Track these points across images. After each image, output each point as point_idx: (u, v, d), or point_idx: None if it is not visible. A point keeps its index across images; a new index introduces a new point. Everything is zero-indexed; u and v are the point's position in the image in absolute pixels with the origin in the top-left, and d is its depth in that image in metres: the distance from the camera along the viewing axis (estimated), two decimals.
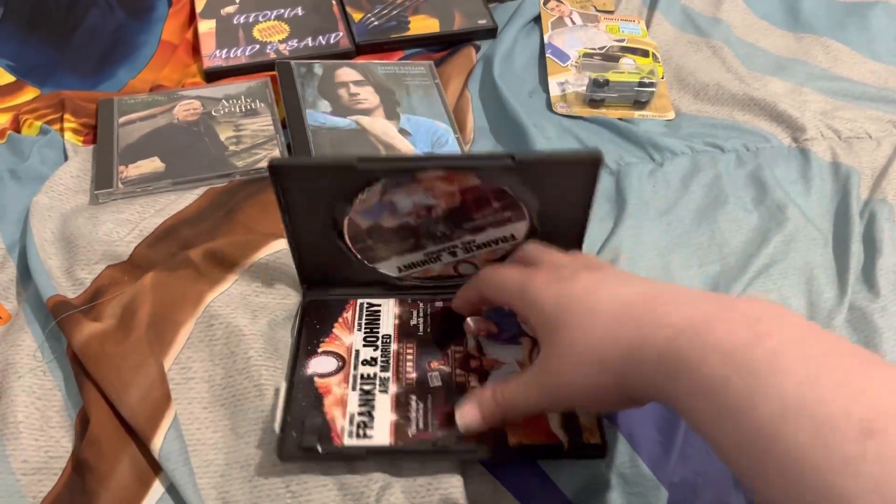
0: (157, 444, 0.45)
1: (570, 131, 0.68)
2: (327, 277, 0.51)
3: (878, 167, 0.63)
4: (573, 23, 0.80)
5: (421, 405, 0.45)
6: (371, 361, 0.47)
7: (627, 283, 0.38)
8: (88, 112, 0.67)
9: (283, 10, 0.80)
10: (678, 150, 0.65)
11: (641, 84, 0.69)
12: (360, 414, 0.45)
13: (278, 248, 0.55)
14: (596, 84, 0.69)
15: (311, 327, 0.49)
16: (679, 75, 0.74)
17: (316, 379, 0.47)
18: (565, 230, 0.48)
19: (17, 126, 0.66)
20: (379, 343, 0.48)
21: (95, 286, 0.52)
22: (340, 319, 0.50)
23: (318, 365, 0.47)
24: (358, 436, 0.44)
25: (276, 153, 0.63)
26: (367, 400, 0.45)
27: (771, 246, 0.56)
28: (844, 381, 0.27)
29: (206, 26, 0.77)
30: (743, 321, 0.31)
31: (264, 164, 0.62)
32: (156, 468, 0.45)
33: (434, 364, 0.47)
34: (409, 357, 0.48)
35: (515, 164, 0.43)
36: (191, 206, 0.58)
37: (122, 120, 0.65)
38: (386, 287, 0.52)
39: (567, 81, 0.73)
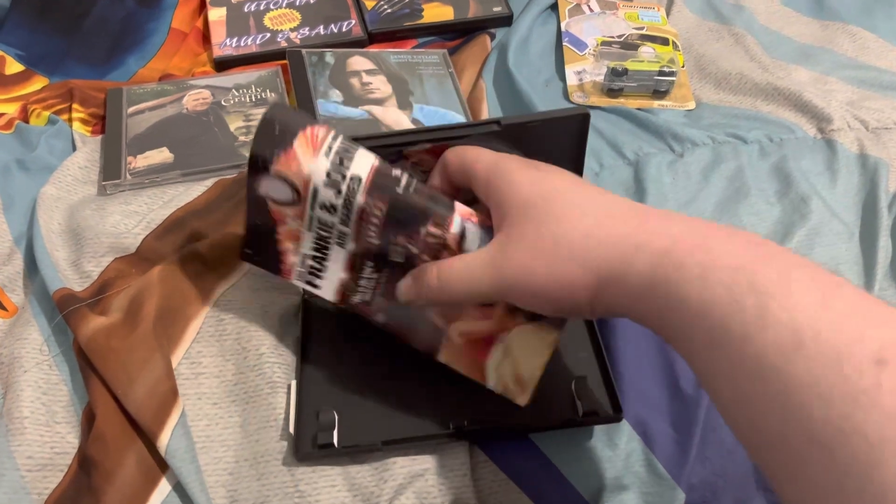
0: (164, 440, 0.44)
1: None
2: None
3: None
4: (591, 10, 0.78)
5: (374, 275, 0.41)
6: (330, 209, 0.39)
7: (610, 193, 0.36)
8: (97, 102, 0.66)
9: None
10: (699, 141, 0.63)
11: (661, 73, 0.67)
12: (314, 258, 0.41)
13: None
14: (614, 73, 0.68)
15: (269, 127, 0.38)
16: (700, 64, 0.72)
17: (269, 203, 0.41)
18: None
19: (25, 116, 0.65)
20: (344, 186, 0.38)
21: (102, 279, 0.51)
22: (307, 132, 0.39)
23: (271, 188, 0.40)
24: (308, 281, 0.41)
25: None
26: (321, 246, 0.41)
27: (794, 240, 0.54)
28: (854, 309, 0.25)
29: (216, 14, 0.76)
30: (746, 241, 0.29)
31: None
32: (162, 465, 0.44)
33: (401, 239, 0.40)
34: (375, 221, 0.39)
35: (502, 129, 0.42)
36: (199, 197, 0.57)
37: (131, 110, 0.64)
38: None
39: (584, 70, 0.71)
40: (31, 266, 0.54)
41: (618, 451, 0.46)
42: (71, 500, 0.43)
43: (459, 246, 0.39)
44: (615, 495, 0.45)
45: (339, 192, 0.39)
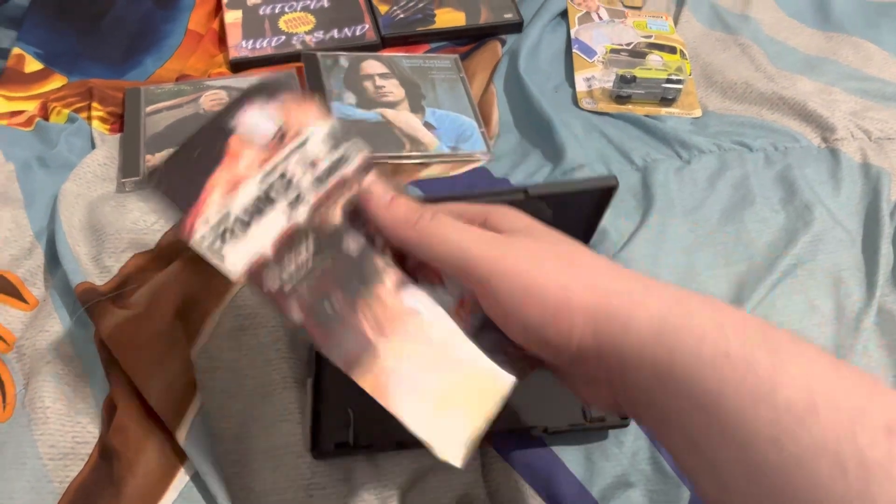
0: (182, 433, 0.45)
1: (597, 127, 0.67)
2: None
3: None
4: (600, 18, 0.79)
5: (309, 260, 0.33)
6: (308, 164, 0.34)
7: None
8: (115, 101, 0.67)
9: (309, 2, 0.80)
10: (706, 148, 0.64)
11: (669, 81, 0.69)
12: (237, 219, 0.32)
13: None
14: (623, 80, 0.69)
15: (293, 84, 0.35)
16: (706, 73, 0.74)
17: (232, 138, 0.33)
18: None
19: (45, 114, 0.67)
20: (343, 149, 0.35)
21: (122, 274, 0.53)
22: (298, 92, 0.36)
23: (253, 120, 0.34)
24: (211, 245, 0.32)
25: None
26: (259, 208, 0.33)
27: (798, 246, 0.56)
28: (861, 378, 0.25)
29: (232, 17, 0.77)
30: (744, 313, 0.28)
31: None
32: (181, 456, 0.46)
33: (369, 228, 0.35)
34: (345, 195, 0.35)
35: (528, 198, 0.40)
36: None
37: (148, 109, 0.65)
38: None
39: (593, 77, 0.72)
40: (52, 261, 0.56)
41: (624, 449, 0.47)
42: (92, 488, 0.44)
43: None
44: (622, 492, 0.46)
45: (337, 147, 0.35)
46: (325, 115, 0.35)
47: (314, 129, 0.34)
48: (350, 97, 0.67)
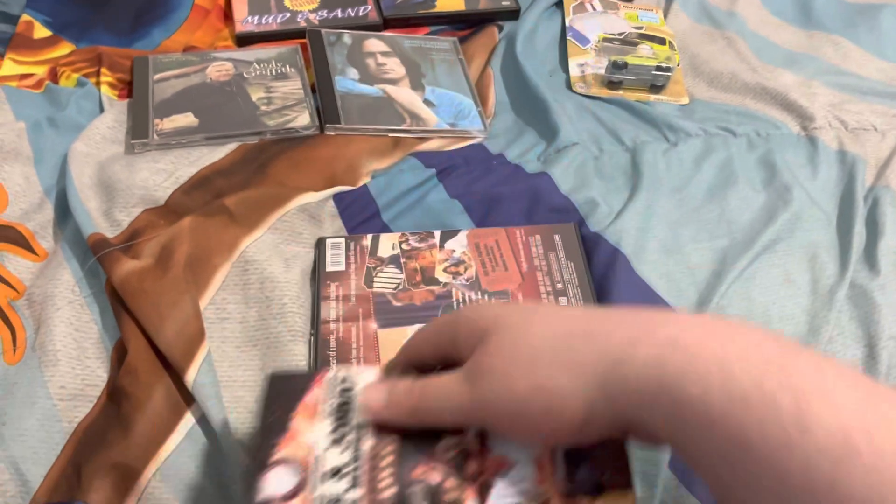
0: (191, 376, 0.47)
1: (589, 110, 0.70)
2: None
3: (883, 157, 0.65)
4: (594, 9, 0.83)
5: None
6: (335, 474, 0.34)
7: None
8: (124, 68, 0.69)
9: None
10: (692, 132, 0.67)
11: (658, 68, 0.72)
12: None
13: (307, 202, 0.57)
14: (615, 66, 0.72)
15: (265, 420, 0.37)
16: (694, 63, 0.77)
17: None
18: None
19: (54, 78, 0.68)
20: (352, 436, 0.35)
21: (133, 228, 0.54)
22: (303, 403, 0.37)
23: (272, 483, 0.34)
24: None
25: (306, 115, 0.65)
26: None
27: (777, 224, 0.59)
28: (893, 407, 0.23)
29: None
30: (761, 333, 0.26)
31: (294, 124, 0.64)
32: (188, 400, 0.47)
33: (418, 470, 0.34)
34: (389, 460, 0.35)
35: None
36: (224, 158, 0.60)
37: (156, 77, 0.67)
38: None
39: (587, 63, 0.75)
40: (62, 215, 0.57)
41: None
42: (101, 427, 0.46)
43: (484, 445, 0.34)
44: None
45: (347, 445, 0.35)
46: (311, 421, 0.36)
47: (318, 445, 0.35)
48: (353, 73, 0.70)
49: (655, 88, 0.73)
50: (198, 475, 0.46)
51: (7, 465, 0.44)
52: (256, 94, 0.67)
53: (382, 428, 0.35)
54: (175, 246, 0.52)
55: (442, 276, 0.54)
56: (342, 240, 0.56)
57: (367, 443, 0.35)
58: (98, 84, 0.67)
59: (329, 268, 0.54)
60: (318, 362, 0.49)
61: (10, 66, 0.68)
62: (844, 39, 0.80)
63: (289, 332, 0.50)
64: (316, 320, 0.51)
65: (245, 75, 0.69)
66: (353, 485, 0.34)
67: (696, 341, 0.25)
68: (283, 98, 0.67)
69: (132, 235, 0.54)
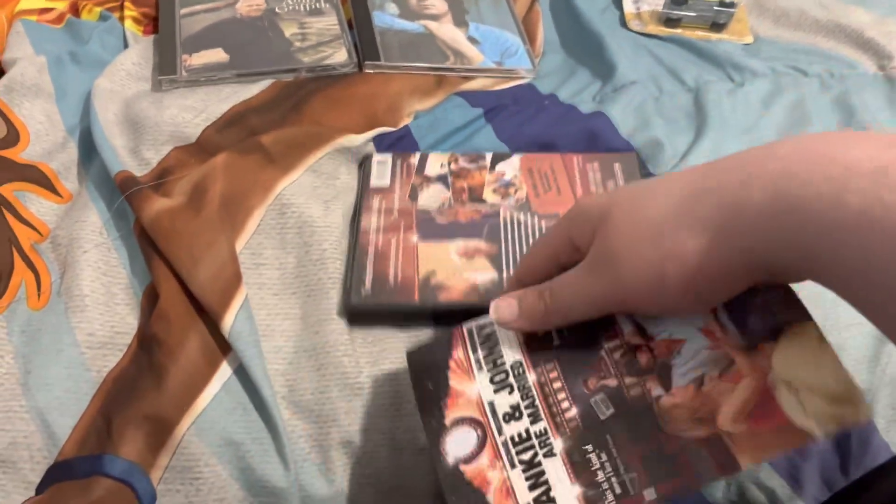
0: (228, 323, 0.43)
1: (646, 48, 0.65)
2: None
3: None
4: None
5: (604, 456, 0.32)
6: (514, 414, 0.35)
7: None
8: (148, 2, 0.65)
9: None
10: (759, 72, 0.62)
11: (721, 4, 0.66)
12: (538, 500, 0.32)
13: (347, 143, 0.53)
14: (675, 1, 0.66)
15: (422, 390, 0.37)
16: (759, 0, 0.71)
17: (463, 468, 0.34)
18: None
19: (76, 11, 0.64)
20: (512, 380, 0.35)
21: (162, 166, 0.51)
22: (452, 363, 0.37)
23: (456, 445, 0.35)
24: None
25: (343, 52, 0.61)
26: (536, 476, 0.33)
27: None
28: None
29: None
30: (876, 139, 0.25)
31: (331, 60, 0.60)
32: (224, 349, 0.44)
33: (592, 382, 0.34)
34: (557, 385, 0.35)
35: None
36: (257, 96, 0.56)
37: (183, 11, 0.63)
38: None
39: None
40: (86, 155, 0.54)
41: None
42: (132, 376, 0.43)
43: (646, 336, 0.34)
44: None
45: (511, 387, 0.35)
46: (469, 377, 0.36)
47: (484, 395, 0.35)
48: (392, 7, 0.65)
49: (717, 27, 0.67)
50: (235, 429, 0.42)
51: (33, 416, 0.41)
52: (289, 30, 0.62)
53: (538, 356, 0.35)
54: (208, 184, 0.48)
55: (490, 197, 0.50)
56: (388, 156, 0.53)
57: (529, 378, 0.35)
58: (122, 18, 0.63)
59: (374, 183, 0.51)
60: (354, 270, 0.46)
61: (30, 0, 0.64)
62: None
63: (329, 280, 0.47)
64: (356, 229, 0.49)
65: (277, 10, 0.64)
66: (535, 419, 0.34)
67: (809, 162, 0.25)
68: (319, 34, 0.62)
69: (162, 174, 0.50)
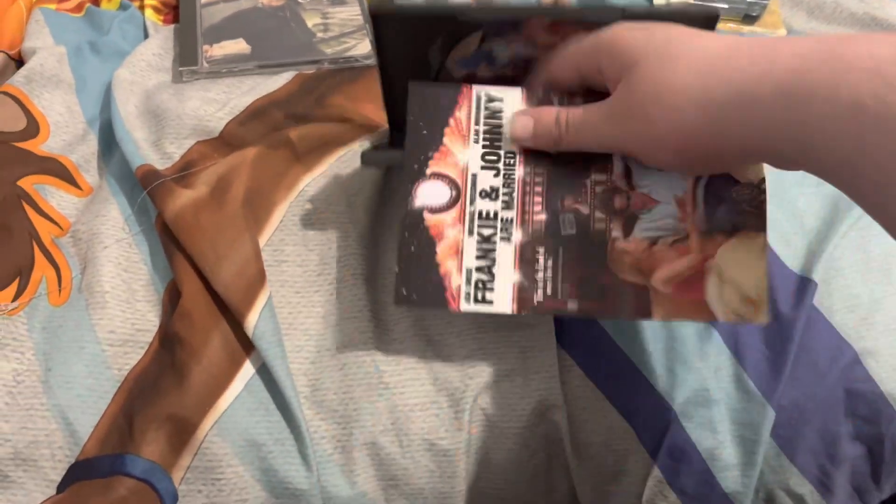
0: (252, 321, 0.43)
1: None
2: None
3: None
4: None
5: (550, 261, 0.37)
6: (490, 193, 0.37)
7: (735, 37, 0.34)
8: None
9: None
10: None
11: None
12: (479, 269, 0.37)
13: (374, 139, 0.52)
14: None
15: (416, 132, 0.38)
16: None
17: (426, 215, 0.37)
18: None
19: (95, 0, 0.63)
20: (501, 164, 0.38)
21: (185, 160, 0.50)
22: (452, 121, 0.38)
23: (428, 193, 0.37)
24: (476, 299, 0.36)
25: (366, 43, 0.60)
26: (486, 250, 0.37)
27: None
28: None
29: None
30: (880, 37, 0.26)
31: (354, 52, 0.59)
32: (247, 347, 0.43)
33: (568, 201, 0.37)
34: (539, 189, 0.38)
35: (625, 18, 0.38)
36: (281, 89, 0.55)
37: (204, 1, 0.62)
38: None
39: None
40: (106, 147, 0.53)
41: (708, 362, 0.44)
42: (154, 375, 0.42)
43: (630, 184, 0.38)
44: (702, 408, 0.44)
45: (498, 171, 0.38)
46: (463, 142, 0.38)
47: (471, 165, 0.38)
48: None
49: (749, 19, 0.66)
50: (258, 430, 0.42)
51: (54, 414, 0.41)
52: (312, 21, 0.61)
53: (532, 158, 0.38)
54: (233, 178, 0.47)
55: None
56: None
57: (519, 171, 0.38)
58: (142, 8, 0.62)
59: None
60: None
61: None
62: None
63: (352, 277, 0.46)
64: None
65: (299, 0, 0.63)
66: (507, 206, 0.37)
67: (829, 55, 0.26)
68: (341, 25, 0.61)
69: (184, 168, 0.49)
